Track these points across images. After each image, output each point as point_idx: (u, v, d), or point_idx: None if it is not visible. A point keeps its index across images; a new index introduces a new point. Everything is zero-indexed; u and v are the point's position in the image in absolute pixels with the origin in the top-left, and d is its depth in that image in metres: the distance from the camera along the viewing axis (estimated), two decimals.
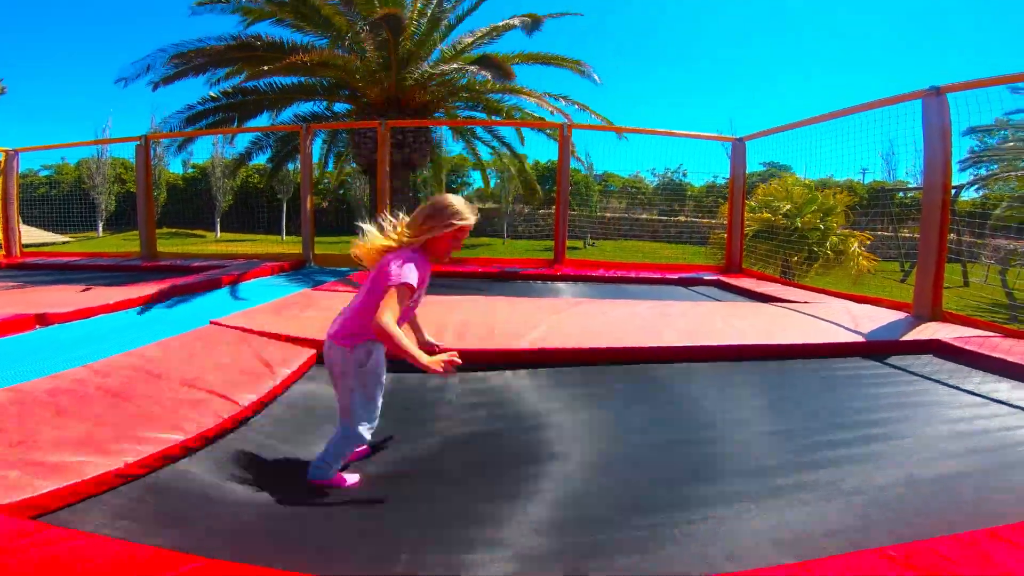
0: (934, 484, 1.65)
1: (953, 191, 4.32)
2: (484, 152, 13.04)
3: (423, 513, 1.47)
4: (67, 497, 1.46)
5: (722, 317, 3.77)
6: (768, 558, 1.25)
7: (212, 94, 9.71)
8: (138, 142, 7.43)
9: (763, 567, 1.16)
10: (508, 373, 2.78)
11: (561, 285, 5.92)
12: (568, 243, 7.16)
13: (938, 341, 3.22)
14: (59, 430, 1.76)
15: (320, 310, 3.64)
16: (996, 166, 12.18)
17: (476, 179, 31.19)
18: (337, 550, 1.27)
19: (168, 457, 1.76)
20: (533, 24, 8.78)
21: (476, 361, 2.89)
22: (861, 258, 10.57)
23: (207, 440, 1.93)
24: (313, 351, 2.91)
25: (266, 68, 7.94)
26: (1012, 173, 11.92)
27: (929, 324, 3.68)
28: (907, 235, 14.09)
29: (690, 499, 1.57)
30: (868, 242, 11.07)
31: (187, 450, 1.83)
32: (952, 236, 4.10)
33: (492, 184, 17.64)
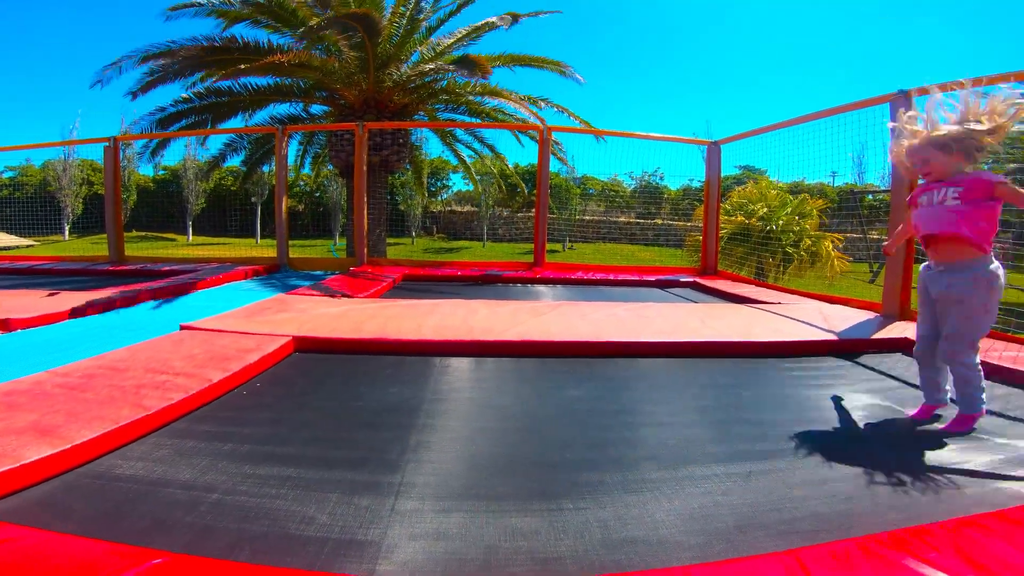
0: (910, 474, 1.69)
1: None
2: (466, 155, 13.03)
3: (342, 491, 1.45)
4: (4, 485, 1.39)
5: (699, 317, 3.81)
6: (750, 544, 1.26)
7: (185, 95, 9.55)
8: (107, 143, 7.23)
9: (757, 554, 1.17)
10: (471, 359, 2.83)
11: (541, 288, 5.94)
12: (548, 246, 7.18)
13: (907, 339, 3.30)
14: (6, 422, 1.68)
15: (295, 313, 3.59)
16: None
17: (456, 182, 31.17)
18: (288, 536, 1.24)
19: (125, 436, 1.72)
20: (512, 20, 8.85)
21: (454, 352, 2.94)
22: (835, 261, 10.82)
23: (170, 419, 1.89)
24: (291, 337, 2.91)
25: (243, 67, 7.83)
26: None
27: (898, 323, 3.78)
28: (876, 236, 14.46)
29: (661, 483, 1.58)
30: (841, 243, 11.34)
31: (148, 428, 1.79)
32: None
33: (474, 186, 17.66)
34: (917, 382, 2.69)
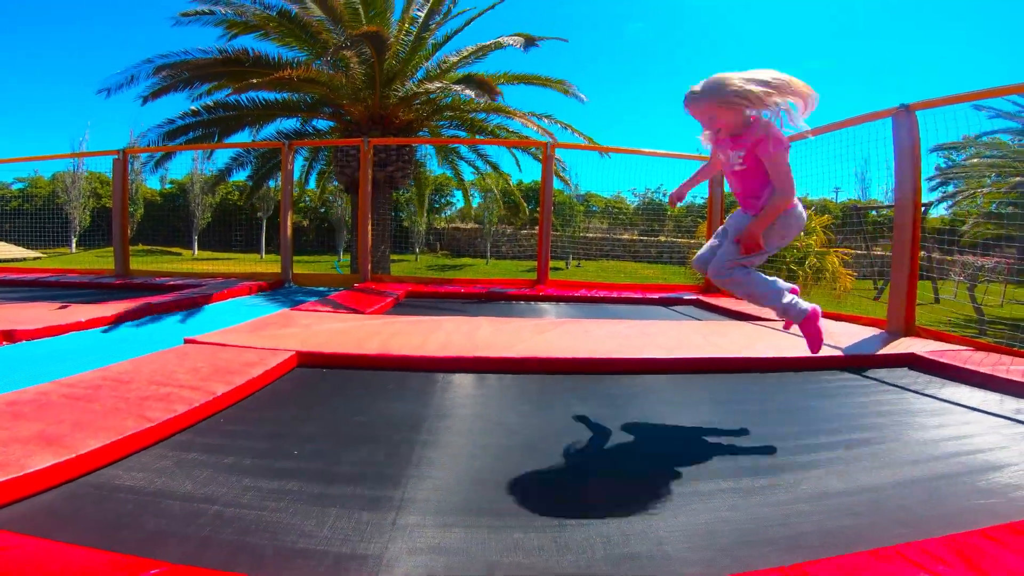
0: (919, 486, 1.67)
1: (923, 209, 4.44)
2: (467, 172, 13.11)
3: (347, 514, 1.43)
4: (5, 494, 1.38)
5: (703, 335, 3.80)
6: (756, 559, 1.24)
7: (193, 108, 9.66)
8: (116, 156, 7.32)
9: (755, 570, 1.15)
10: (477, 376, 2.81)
11: (544, 305, 5.93)
12: (551, 263, 7.19)
13: (913, 355, 3.28)
14: (11, 431, 1.68)
15: (299, 328, 3.59)
16: (963, 183, 12.59)
17: (460, 199, 31.34)
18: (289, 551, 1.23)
19: (129, 447, 1.72)
20: (527, 42, 8.90)
21: (457, 369, 2.92)
22: (844, 277, 10.78)
23: (173, 431, 1.89)
24: (294, 352, 2.91)
25: (255, 82, 7.92)
26: (979, 190, 12.34)
27: (903, 339, 3.76)
28: (880, 253, 14.45)
29: (665, 498, 1.56)
30: (849, 259, 11.31)
31: (151, 440, 1.79)
32: (922, 253, 4.20)
33: (475, 203, 17.84)
34: (927, 394, 2.69)
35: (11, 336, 3.37)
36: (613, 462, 1.87)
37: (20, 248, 13.80)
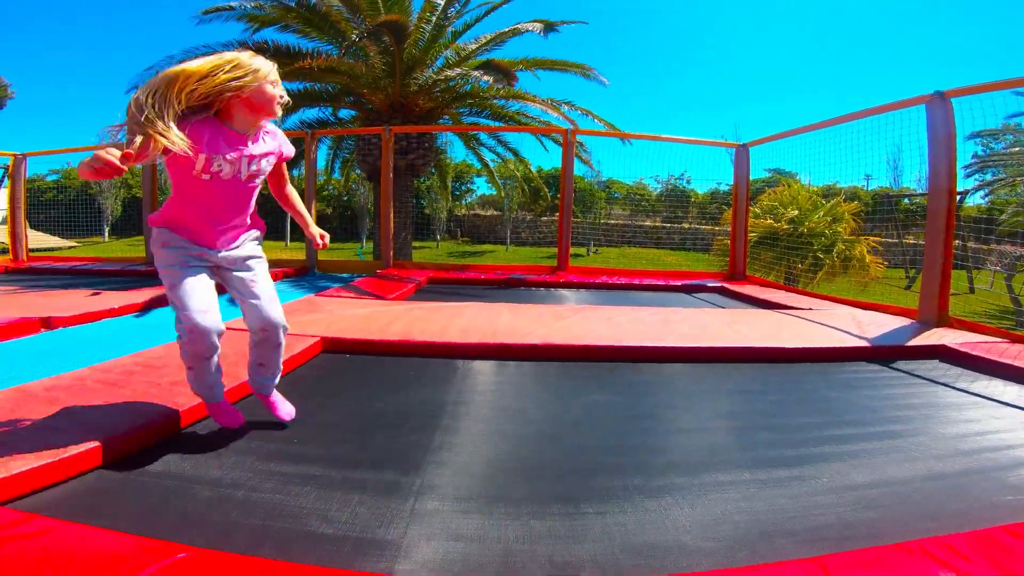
0: (946, 481, 1.64)
1: (958, 197, 4.30)
2: (490, 159, 13.07)
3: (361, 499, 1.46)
4: (42, 479, 1.44)
5: (726, 323, 3.75)
6: (774, 551, 1.24)
7: None
8: None
9: (773, 561, 1.14)
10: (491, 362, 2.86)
11: (564, 292, 5.92)
12: (572, 250, 7.16)
13: (944, 346, 3.20)
14: (47, 416, 1.75)
15: (324, 314, 3.65)
16: (1002, 171, 12.11)
17: (480, 186, 31.26)
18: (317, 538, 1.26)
19: (158, 432, 1.78)
20: (547, 28, 8.84)
21: (478, 355, 2.94)
22: (873, 266, 10.50)
23: (199, 418, 1.95)
24: (319, 338, 2.98)
25: None
26: (1019, 178, 11.86)
27: (935, 330, 3.66)
28: (912, 241, 14.02)
29: (684, 488, 1.56)
30: (878, 247, 11.00)
31: (180, 426, 1.86)
32: (957, 242, 4.07)
33: (497, 190, 17.80)
34: (958, 387, 2.62)
35: (48, 323, 3.49)
36: (631, 451, 1.87)
37: (56, 238, 14.25)
